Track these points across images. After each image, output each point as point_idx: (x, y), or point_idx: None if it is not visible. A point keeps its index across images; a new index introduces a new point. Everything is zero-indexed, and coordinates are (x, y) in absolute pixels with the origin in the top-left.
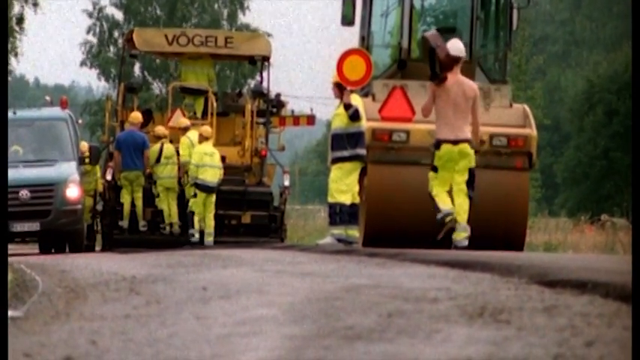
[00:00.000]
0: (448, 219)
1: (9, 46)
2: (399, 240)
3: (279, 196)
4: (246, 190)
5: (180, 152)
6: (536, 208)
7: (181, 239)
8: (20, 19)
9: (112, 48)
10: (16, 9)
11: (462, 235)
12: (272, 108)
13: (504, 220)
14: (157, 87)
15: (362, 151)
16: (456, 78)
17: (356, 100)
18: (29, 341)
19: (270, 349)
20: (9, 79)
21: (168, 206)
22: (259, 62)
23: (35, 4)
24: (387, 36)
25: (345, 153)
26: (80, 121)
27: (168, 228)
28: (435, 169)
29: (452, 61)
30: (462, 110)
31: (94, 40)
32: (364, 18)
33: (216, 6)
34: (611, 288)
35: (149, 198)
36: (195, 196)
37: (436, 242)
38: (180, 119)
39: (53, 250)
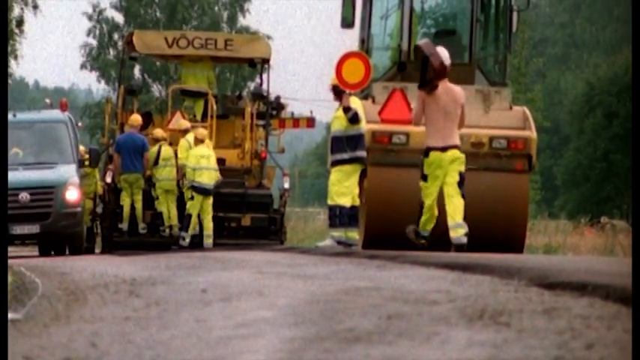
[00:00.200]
0: (421, 242)
1: (9, 48)
2: (399, 242)
3: (279, 199)
4: (246, 193)
5: (179, 155)
6: (536, 210)
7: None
8: (20, 22)
9: (111, 50)
10: (16, 11)
11: (460, 232)
12: (272, 110)
13: (504, 223)
14: (156, 89)
15: (362, 154)
16: (445, 85)
17: (355, 102)
18: (29, 344)
19: (269, 352)
20: (9, 81)
21: (168, 208)
22: (259, 65)
23: (35, 7)
24: (387, 38)
25: (345, 155)
26: (80, 124)
27: (167, 230)
28: (424, 178)
29: (445, 69)
30: (452, 117)
31: (94, 43)
32: (364, 20)
33: (216, 8)
34: (611, 290)
35: (149, 200)
36: (192, 198)
37: (437, 243)
38: (180, 121)
39: (53, 253)
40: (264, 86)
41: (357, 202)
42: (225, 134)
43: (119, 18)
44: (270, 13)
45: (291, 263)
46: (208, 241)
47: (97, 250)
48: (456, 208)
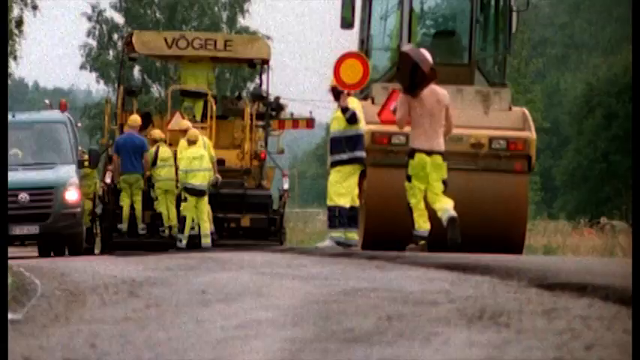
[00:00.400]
0: (421, 242)
1: (8, 49)
2: (399, 243)
3: (279, 199)
4: (246, 193)
5: (178, 155)
6: (536, 211)
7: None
8: (19, 22)
9: (111, 51)
10: (15, 12)
11: (450, 210)
12: (271, 111)
13: (504, 223)
14: (156, 90)
15: (361, 154)
16: (430, 87)
17: (353, 103)
18: (28, 344)
19: (269, 352)
20: (8, 82)
21: (167, 209)
22: (258, 65)
23: (35, 7)
24: (387, 39)
25: (344, 156)
26: (79, 124)
27: (167, 231)
28: (409, 179)
29: (435, 73)
30: (437, 119)
31: (94, 44)
32: (363, 21)
33: (215, 9)
34: (611, 291)
35: (148, 201)
36: (185, 200)
37: (437, 244)
38: (181, 121)
39: (52, 253)
40: (264, 87)
41: (357, 203)
42: (225, 135)
43: (119, 19)
44: (270, 13)
45: (291, 264)
46: (206, 240)
47: (97, 250)
48: (444, 206)
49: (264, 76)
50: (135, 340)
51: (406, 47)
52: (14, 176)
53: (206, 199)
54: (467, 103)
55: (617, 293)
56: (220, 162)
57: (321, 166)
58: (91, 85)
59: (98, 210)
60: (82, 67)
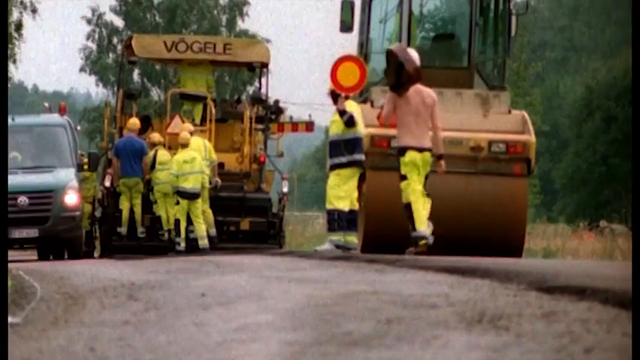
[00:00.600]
0: (422, 242)
1: (8, 52)
2: (398, 246)
3: (278, 203)
4: (245, 197)
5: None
6: (535, 214)
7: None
8: (19, 26)
9: (111, 54)
10: (14, 15)
11: (427, 231)
12: (271, 114)
13: (503, 226)
14: (155, 93)
15: (360, 157)
16: (415, 87)
17: (351, 106)
18: (28, 348)
19: (268, 356)
20: (8, 85)
21: (167, 212)
22: (258, 69)
23: (34, 11)
24: (386, 42)
25: (343, 159)
26: (79, 128)
27: (166, 234)
28: (404, 178)
29: (420, 74)
30: (423, 118)
31: (94, 47)
32: (363, 24)
33: (215, 12)
34: (610, 294)
35: (147, 204)
36: (177, 203)
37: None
38: (184, 125)
39: (52, 257)
40: (263, 90)
41: (356, 206)
42: (224, 138)
43: (118, 22)
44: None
45: (290, 267)
46: (203, 242)
47: (96, 254)
48: (420, 217)
49: (263, 80)
50: (134, 343)
51: (393, 46)
52: (14, 180)
53: (199, 201)
54: (466, 106)
55: (616, 296)
56: (220, 165)
57: (320, 169)
58: (91, 89)
59: (97, 213)
60: (82, 69)
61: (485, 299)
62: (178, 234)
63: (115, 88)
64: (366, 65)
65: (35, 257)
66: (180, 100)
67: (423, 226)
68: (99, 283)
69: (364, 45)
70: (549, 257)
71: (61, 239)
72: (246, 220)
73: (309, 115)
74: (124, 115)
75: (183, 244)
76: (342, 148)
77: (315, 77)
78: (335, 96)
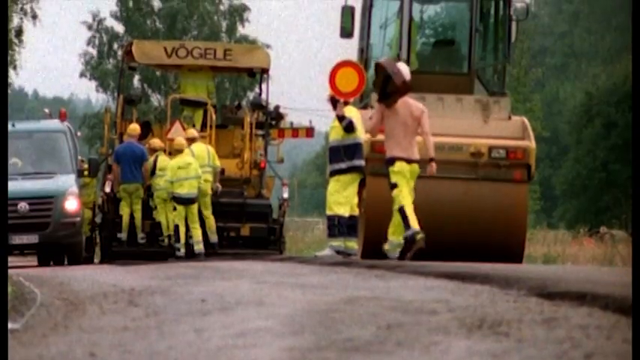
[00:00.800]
0: (419, 237)
1: (8, 58)
2: (398, 252)
3: (278, 209)
4: (245, 203)
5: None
6: (535, 220)
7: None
8: (19, 32)
9: (111, 60)
10: (15, 21)
11: (396, 250)
12: (271, 120)
13: (503, 232)
14: (156, 99)
15: (359, 163)
16: (403, 99)
17: (351, 111)
18: (28, 354)
19: None
20: (8, 91)
21: (167, 218)
22: (258, 74)
23: (34, 17)
24: (386, 48)
25: (343, 165)
26: (79, 134)
27: (166, 240)
28: (394, 186)
29: (408, 87)
30: (411, 130)
31: (94, 52)
32: (363, 30)
33: (215, 18)
34: (610, 300)
35: (148, 210)
36: (175, 209)
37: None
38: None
39: (52, 263)
40: (264, 96)
41: (356, 212)
42: (225, 144)
43: (119, 28)
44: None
45: (290, 273)
46: (198, 247)
47: (96, 259)
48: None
49: (263, 85)
50: (134, 349)
51: (383, 59)
52: (14, 186)
53: (195, 206)
54: (466, 112)
55: (616, 302)
56: (220, 171)
57: (320, 175)
58: (91, 95)
59: (98, 219)
60: (82, 75)
61: (485, 305)
62: (178, 240)
63: (115, 94)
64: (367, 71)
65: (35, 263)
66: (181, 105)
67: (417, 225)
68: (99, 289)
69: (364, 51)
70: (549, 263)
71: (61, 245)
72: (247, 225)
73: (310, 121)
74: (124, 121)
75: (183, 250)
76: (342, 154)
77: (315, 83)
78: (334, 102)
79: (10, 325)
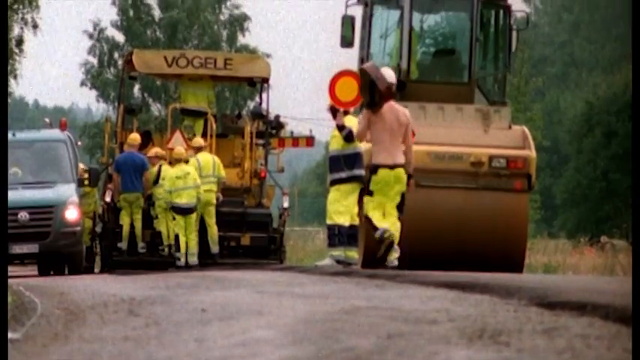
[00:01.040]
0: (387, 234)
1: (9, 67)
2: (398, 261)
3: (279, 218)
4: (246, 212)
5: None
6: (536, 229)
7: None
8: (20, 41)
9: (111, 69)
10: (15, 31)
11: (394, 256)
12: (271, 129)
13: (504, 242)
14: (156, 109)
15: (359, 172)
16: (389, 105)
17: (350, 121)
18: None
19: None
20: (8, 100)
21: (167, 228)
22: (258, 84)
23: (35, 26)
24: (387, 57)
25: (343, 174)
26: (79, 143)
27: (167, 249)
28: (370, 194)
29: (391, 92)
30: (397, 136)
31: (94, 61)
32: (363, 40)
33: (215, 27)
34: (611, 310)
35: (148, 219)
36: (174, 219)
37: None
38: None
39: (52, 272)
40: (264, 105)
41: (356, 221)
42: (225, 153)
43: (119, 37)
44: (270, 32)
45: (291, 282)
46: (192, 259)
47: (97, 269)
48: (391, 223)
49: (264, 95)
50: (134, 358)
51: (366, 64)
52: (14, 195)
53: (194, 216)
54: (467, 121)
55: (617, 312)
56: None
57: (321, 184)
58: (91, 104)
59: (98, 229)
60: (83, 84)
61: (485, 315)
62: (178, 249)
63: (116, 104)
64: None
65: (36, 273)
66: (181, 115)
67: (383, 223)
68: (99, 299)
69: (365, 60)
70: (550, 273)
71: (61, 254)
72: (247, 235)
73: (310, 130)
74: (125, 131)
75: (183, 260)
76: (342, 164)
77: (315, 93)
78: (334, 111)
79: (10, 335)
